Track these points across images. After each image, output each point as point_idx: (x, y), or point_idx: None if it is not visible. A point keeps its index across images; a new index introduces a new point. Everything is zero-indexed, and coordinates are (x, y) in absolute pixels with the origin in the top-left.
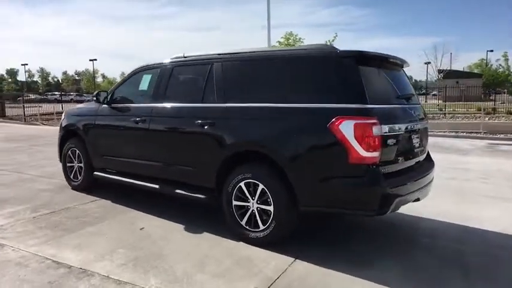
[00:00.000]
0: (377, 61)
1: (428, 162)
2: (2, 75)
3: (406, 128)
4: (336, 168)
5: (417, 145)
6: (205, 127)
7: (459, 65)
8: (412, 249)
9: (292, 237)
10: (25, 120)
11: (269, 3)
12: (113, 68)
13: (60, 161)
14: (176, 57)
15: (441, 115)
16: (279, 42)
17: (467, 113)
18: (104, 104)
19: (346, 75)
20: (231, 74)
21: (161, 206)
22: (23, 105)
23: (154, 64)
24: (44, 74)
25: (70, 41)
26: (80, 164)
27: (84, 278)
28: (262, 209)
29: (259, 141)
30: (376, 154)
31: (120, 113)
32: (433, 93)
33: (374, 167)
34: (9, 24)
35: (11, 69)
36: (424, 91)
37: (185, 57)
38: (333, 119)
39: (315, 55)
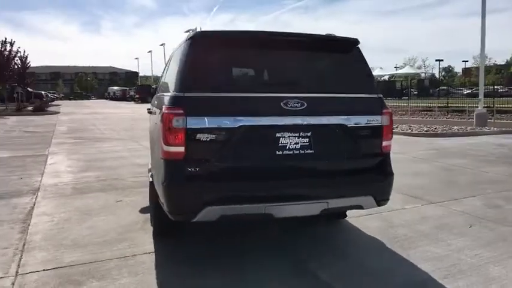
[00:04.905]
0: (235, 40)
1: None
2: None
3: (257, 123)
4: (157, 162)
5: (293, 146)
6: None
7: None
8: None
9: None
10: None
11: None
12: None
13: None
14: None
15: None
16: None
17: None
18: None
19: (183, 60)
20: None
21: None
22: None
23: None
24: None
25: None
26: None
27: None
28: None
29: None
30: (178, 149)
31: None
32: None
33: (176, 164)
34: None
35: None
36: None
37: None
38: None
39: (186, 39)
